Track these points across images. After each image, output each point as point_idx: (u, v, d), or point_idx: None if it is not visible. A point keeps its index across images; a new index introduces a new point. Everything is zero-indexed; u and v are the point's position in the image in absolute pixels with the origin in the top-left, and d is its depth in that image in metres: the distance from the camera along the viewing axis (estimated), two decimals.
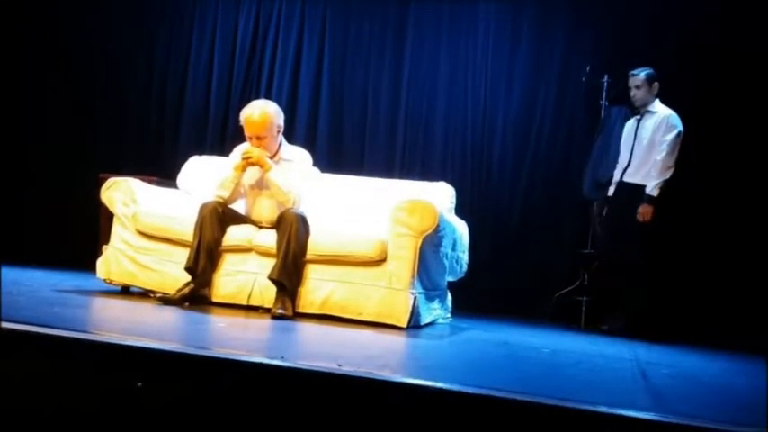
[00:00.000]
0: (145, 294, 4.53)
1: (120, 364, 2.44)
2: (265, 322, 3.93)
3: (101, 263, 4.65)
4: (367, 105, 6.47)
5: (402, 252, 4.18)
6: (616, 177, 5.35)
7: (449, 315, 4.99)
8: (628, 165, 5.27)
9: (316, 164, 4.89)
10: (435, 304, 4.65)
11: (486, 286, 5.86)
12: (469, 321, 5.03)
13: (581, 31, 6.03)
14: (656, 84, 5.24)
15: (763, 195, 5.21)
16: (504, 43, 6.22)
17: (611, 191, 5.39)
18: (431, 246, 4.32)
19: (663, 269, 5.54)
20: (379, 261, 4.22)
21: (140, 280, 4.55)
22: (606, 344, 4.58)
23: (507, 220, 6.11)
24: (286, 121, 4.69)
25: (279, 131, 4.54)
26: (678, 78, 5.65)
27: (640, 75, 5.24)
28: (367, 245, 4.24)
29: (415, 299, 4.15)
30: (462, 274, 5.01)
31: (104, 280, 4.62)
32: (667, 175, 5.09)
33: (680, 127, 5.13)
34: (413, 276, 4.17)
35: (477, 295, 5.68)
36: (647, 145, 5.17)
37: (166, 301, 4.22)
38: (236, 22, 6.76)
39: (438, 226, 4.22)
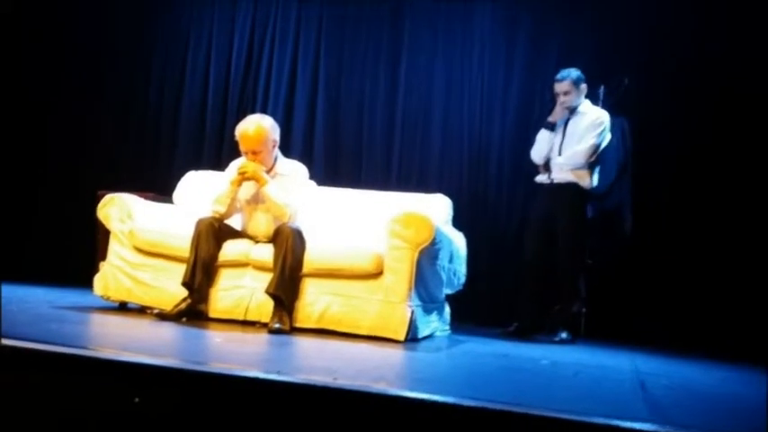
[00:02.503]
0: (142, 310, 4.53)
1: (117, 379, 2.43)
2: (262, 337, 3.92)
3: (98, 279, 4.65)
4: (363, 117, 6.45)
5: (398, 265, 4.18)
6: (542, 178, 5.19)
7: (447, 328, 4.97)
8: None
9: (312, 177, 4.90)
10: (433, 317, 4.64)
11: (485, 298, 5.84)
12: (468, 334, 5.01)
13: (576, 39, 6.01)
14: (583, 85, 5.12)
15: (764, 203, 5.20)
16: (499, 52, 6.21)
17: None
18: (428, 258, 4.32)
19: (664, 277, 5.55)
20: (376, 274, 4.21)
21: (137, 296, 4.55)
22: (605, 355, 4.57)
23: (505, 230, 6.08)
24: (282, 135, 4.70)
25: (274, 146, 4.55)
26: (675, 85, 5.67)
27: (566, 80, 5.09)
28: (363, 258, 4.23)
29: (412, 312, 4.14)
30: (460, 287, 5.00)
31: (101, 296, 4.62)
32: (581, 161, 4.98)
33: (608, 131, 5.04)
34: (410, 289, 4.16)
35: (476, 307, 5.66)
36: (576, 142, 5.03)
37: (163, 316, 4.23)
38: (231, 36, 6.75)
39: (434, 238, 4.22)
